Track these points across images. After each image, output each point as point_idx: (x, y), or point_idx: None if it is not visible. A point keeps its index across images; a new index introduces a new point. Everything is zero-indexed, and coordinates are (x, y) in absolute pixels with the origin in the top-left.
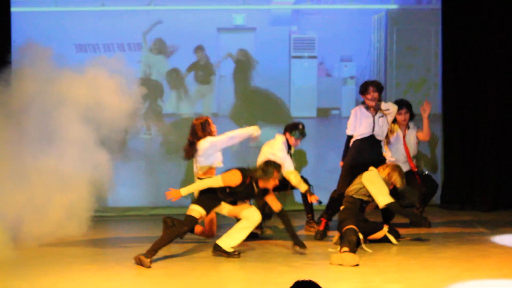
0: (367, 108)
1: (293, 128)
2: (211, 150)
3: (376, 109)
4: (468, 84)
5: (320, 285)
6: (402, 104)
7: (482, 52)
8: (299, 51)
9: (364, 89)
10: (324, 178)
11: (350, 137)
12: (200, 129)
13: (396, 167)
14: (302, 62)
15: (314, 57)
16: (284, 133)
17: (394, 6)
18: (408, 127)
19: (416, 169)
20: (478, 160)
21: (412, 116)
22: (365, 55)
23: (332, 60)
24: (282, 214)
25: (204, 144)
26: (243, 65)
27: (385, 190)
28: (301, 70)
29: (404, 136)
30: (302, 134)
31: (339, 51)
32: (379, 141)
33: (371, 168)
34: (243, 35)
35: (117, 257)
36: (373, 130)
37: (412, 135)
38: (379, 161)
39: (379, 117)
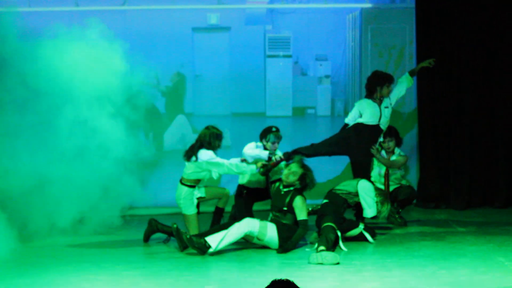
0: (373, 99)
1: (267, 133)
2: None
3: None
4: (442, 84)
5: (297, 284)
6: (388, 131)
7: (456, 51)
8: (274, 50)
9: (383, 82)
10: None
11: (346, 125)
12: (215, 138)
13: (388, 199)
14: (277, 61)
15: (289, 56)
16: (261, 141)
17: (368, 5)
18: (394, 153)
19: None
20: (452, 159)
21: (398, 143)
22: (340, 54)
23: (307, 59)
24: (301, 224)
25: (204, 155)
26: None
27: (374, 203)
28: (276, 69)
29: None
30: (277, 136)
31: (314, 50)
32: (381, 131)
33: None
34: (218, 35)
35: (94, 258)
36: (379, 120)
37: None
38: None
39: (385, 107)
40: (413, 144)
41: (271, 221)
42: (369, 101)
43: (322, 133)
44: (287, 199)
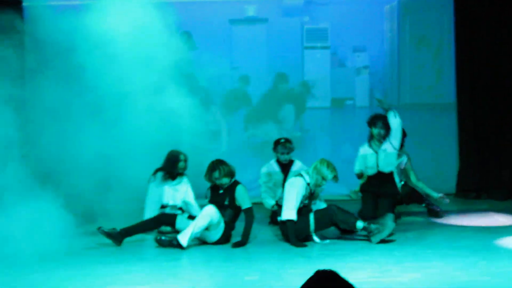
0: (370, 144)
1: (276, 145)
2: None
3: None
4: (482, 72)
5: (340, 274)
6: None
7: (495, 40)
8: (311, 42)
9: (371, 122)
10: (339, 168)
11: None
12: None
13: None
14: (315, 53)
15: (327, 47)
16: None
17: None
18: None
19: None
20: (493, 148)
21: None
22: (378, 44)
23: (345, 50)
24: (247, 212)
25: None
26: None
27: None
28: (314, 60)
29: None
30: (285, 147)
31: (352, 41)
32: (389, 174)
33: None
34: (255, 27)
35: (135, 249)
36: (377, 166)
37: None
38: (393, 193)
39: (382, 150)
40: (452, 134)
41: None
42: (365, 148)
43: (361, 124)
44: (228, 196)
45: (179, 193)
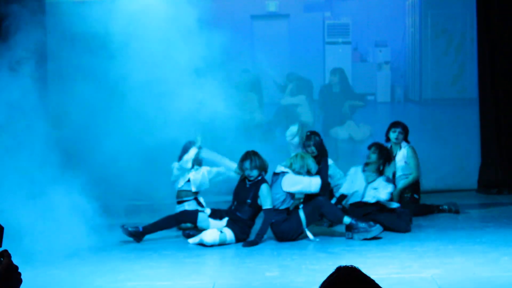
0: (364, 169)
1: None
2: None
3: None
4: (505, 67)
5: (362, 271)
6: (395, 122)
7: None
8: (333, 37)
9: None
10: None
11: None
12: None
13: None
14: (336, 48)
15: (349, 42)
16: None
17: None
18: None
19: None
20: None
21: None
22: (399, 39)
23: (366, 45)
24: (266, 212)
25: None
26: None
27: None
28: (336, 56)
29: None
30: (309, 139)
31: (374, 36)
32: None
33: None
34: (277, 22)
35: (156, 245)
36: (362, 197)
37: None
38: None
39: (372, 188)
40: (474, 130)
41: (229, 213)
42: (359, 172)
43: (382, 120)
44: (252, 192)
45: (202, 177)
